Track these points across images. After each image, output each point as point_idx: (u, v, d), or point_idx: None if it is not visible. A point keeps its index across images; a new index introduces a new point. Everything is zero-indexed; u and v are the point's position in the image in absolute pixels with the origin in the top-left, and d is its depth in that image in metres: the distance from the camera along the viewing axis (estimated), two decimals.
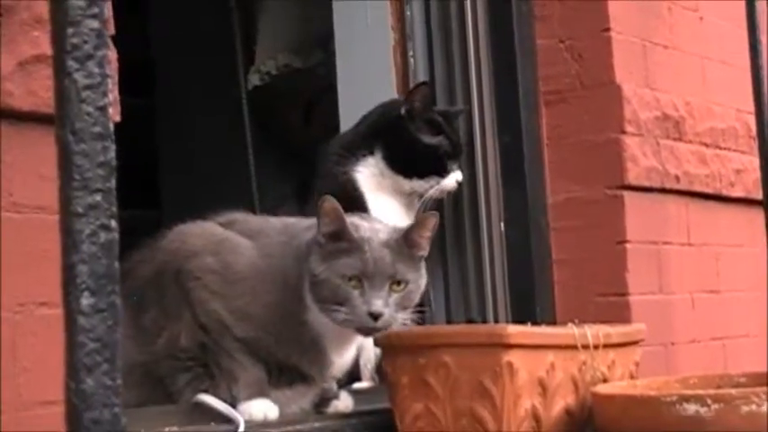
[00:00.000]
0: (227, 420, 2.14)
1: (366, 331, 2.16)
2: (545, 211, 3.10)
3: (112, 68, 1.78)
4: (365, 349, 2.66)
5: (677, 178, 3.23)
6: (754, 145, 3.09)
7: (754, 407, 1.88)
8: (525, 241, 3.05)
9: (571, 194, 3.08)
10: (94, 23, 1.14)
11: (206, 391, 2.23)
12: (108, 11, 1.20)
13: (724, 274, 3.43)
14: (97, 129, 1.14)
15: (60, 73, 1.14)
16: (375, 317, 2.10)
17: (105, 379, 1.12)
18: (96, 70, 1.14)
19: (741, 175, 3.50)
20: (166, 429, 2.11)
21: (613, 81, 3.07)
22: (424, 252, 2.22)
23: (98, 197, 1.14)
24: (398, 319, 2.12)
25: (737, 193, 3.49)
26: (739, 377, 2.31)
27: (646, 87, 3.18)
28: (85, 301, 1.12)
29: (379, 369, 2.58)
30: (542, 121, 3.13)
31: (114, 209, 1.15)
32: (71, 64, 1.13)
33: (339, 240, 2.13)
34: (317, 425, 2.20)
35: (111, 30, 1.75)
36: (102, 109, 1.15)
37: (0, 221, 1.69)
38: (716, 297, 3.38)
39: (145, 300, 2.31)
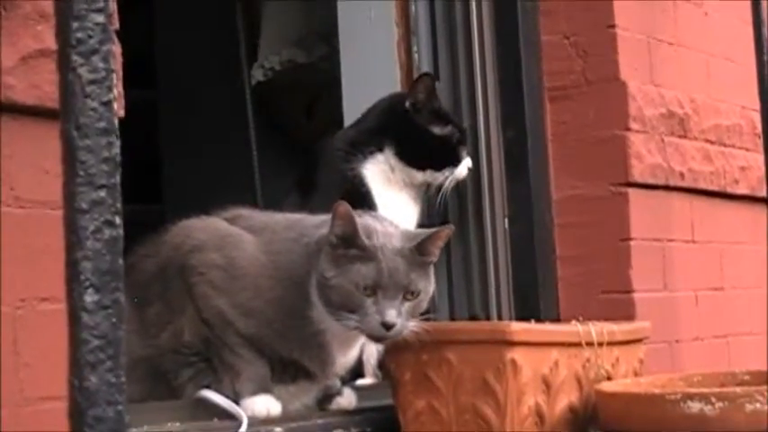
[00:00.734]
0: (230, 416, 2.14)
1: (376, 339, 2.15)
2: (549, 207, 3.09)
3: (117, 63, 1.77)
4: (368, 345, 2.66)
5: (682, 175, 3.22)
6: (759, 142, 3.09)
7: (758, 405, 1.88)
8: (529, 238, 3.04)
9: (575, 191, 3.07)
10: (99, 18, 1.14)
11: (209, 387, 2.23)
12: (112, 5, 1.19)
13: (728, 272, 3.42)
14: (102, 124, 1.14)
15: (65, 68, 1.13)
16: (388, 327, 2.09)
17: (109, 376, 1.12)
18: (101, 65, 1.14)
19: (746, 172, 3.50)
20: (169, 425, 2.11)
21: (618, 77, 3.06)
22: (435, 259, 2.21)
23: (102, 193, 1.13)
24: (408, 327, 2.11)
25: (742, 190, 3.48)
26: (743, 375, 2.30)
27: (650, 84, 3.17)
28: (89, 297, 1.11)
29: (382, 365, 2.57)
30: (547, 118, 3.12)
31: (119, 205, 1.14)
32: (76, 59, 1.13)
33: (352, 245, 2.11)
34: (319, 421, 2.20)
35: (116, 24, 1.74)
36: (107, 104, 1.14)
37: (1, 216, 1.68)
38: (720, 294, 3.38)
39: (149, 294, 2.31)
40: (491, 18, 3.10)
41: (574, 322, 2.22)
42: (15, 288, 1.70)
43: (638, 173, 3.05)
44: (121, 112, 1.73)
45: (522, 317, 2.82)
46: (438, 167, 2.86)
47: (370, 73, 3.18)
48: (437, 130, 2.88)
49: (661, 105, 3.18)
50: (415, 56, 3.17)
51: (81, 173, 1.12)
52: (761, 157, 2.96)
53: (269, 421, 2.15)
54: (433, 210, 2.95)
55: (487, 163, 3.07)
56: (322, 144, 3.00)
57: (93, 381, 1.10)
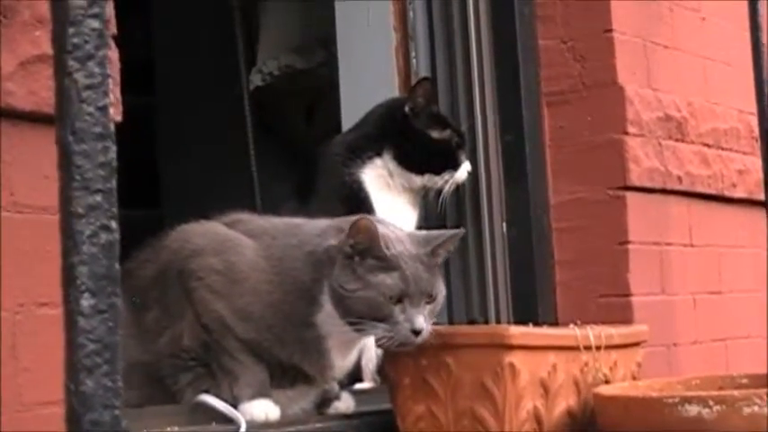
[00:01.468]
0: (229, 421, 2.14)
1: (406, 346, 2.14)
2: (547, 211, 3.09)
3: (113, 68, 1.77)
4: (367, 349, 2.66)
5: (679, 179, 3.22)
6: (757, 146, 3.09)
7: (756, 408, 1.88)
8: (527, 242, 3.05)
9: (573, 195, 3.08)
10: (95, 23, 1.14)
11: (207, 391, 2.22)
12: (109, 10, 1.20)
13: (726, 275, 3.42)
14: (98, 129, 1.14)
15: (61, 73, 1.14)
16: (417, 333, 2.09)
17: (105, 380, 1.12)
18: (97, 70, 1.14)
19: (743, 175, 3.50)
20: (168, 429, 2.11)
21: (615, 82, 3.07)
22: (441, 260, 2.22)
23: (98, 198, 1.13)
24: (430, 330, 2.12)
25: (739, 193, 3.48)
26: (741, 378, 2.31)
27: (648, 88, 3.17)
28: (86, 302, 1.11)
29: (381, 370, 2.58)
30: (545, 122, 3.13)
31: (115, 210, 1.14)
32: (72, 64, 1.13)
33: (370, 256, 2.11)
34: (318, 425, 2.20)
35: (113, 29, 1.75)
36: (103, 109, 1.14)
37: (1, 221, 1.69)
38: (718, 298, 3.38)
39: (147, 299, 2.31)
40: (489, 23, 3.11)
41: (572, 326, 2.23)
42: (14, 293, 1.70)
43: (636, 177, 3.05)
44: (118, 117, 1.73)
45: (521, 321, 2.83)
46: (437, 171, 2.87)
47: (368, 78, 3.19)
48: (436, 134, 2.89)
49: (658, 109, 3.18)
50: (413, 61, 3.17)
51: (77, 177, 1.12)
52: (758, 161, 2.96)
53: (267, 425, 2.15)
54: (433, 214, 2.95)
55: (485, 168, 3.08)
56: (320, 149, 3.01)
57: (89, 385, 1.11)
